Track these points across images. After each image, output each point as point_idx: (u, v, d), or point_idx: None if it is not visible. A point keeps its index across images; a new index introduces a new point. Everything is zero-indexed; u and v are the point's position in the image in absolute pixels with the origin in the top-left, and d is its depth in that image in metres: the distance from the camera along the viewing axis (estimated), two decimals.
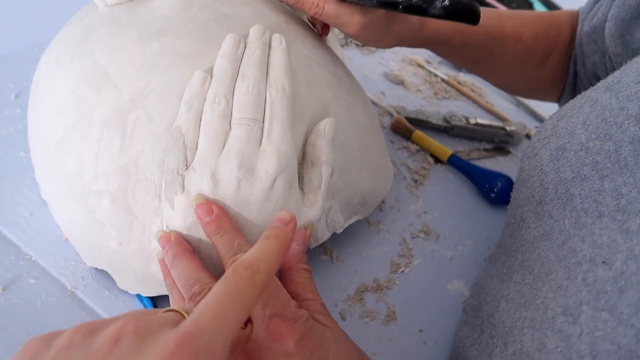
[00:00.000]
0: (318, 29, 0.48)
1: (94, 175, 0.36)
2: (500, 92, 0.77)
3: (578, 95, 0.39)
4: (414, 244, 0.48)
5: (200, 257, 0.34)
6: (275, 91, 0.36)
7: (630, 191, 0.31)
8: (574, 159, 0.35)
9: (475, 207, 0.55)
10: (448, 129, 0.63)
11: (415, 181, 0.55)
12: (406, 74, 0.73)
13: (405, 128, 0.60)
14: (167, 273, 0.34)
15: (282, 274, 0.35)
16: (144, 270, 0.36)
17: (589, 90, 0.38)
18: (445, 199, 0.54)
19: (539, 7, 1.10)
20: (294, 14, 0.46)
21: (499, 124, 0.65)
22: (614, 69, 0.47)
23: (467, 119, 0.63)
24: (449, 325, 0.43)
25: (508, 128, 0.64)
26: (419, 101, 0.68)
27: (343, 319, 0.41)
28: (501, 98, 0.76)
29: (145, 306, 0.37)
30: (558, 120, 0.38)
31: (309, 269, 0.35)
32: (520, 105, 0.77)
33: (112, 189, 0.35)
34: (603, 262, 0.29)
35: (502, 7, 1.03)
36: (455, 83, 0.74)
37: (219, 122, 0.34)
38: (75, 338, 0.21)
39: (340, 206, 0.41)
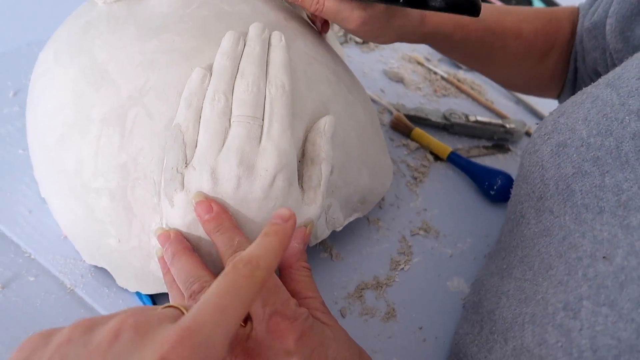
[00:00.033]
0: (318, 26, 0.48)
1: (93, 172, 0.35)
2: (500, 90, 0.77)
3: (579, 92, 0.39)
4: (413, 242, 0.48)
5: (200, 255, 0.34)
6: (275, 89, 0.35)
7: (631, 187, 0.31)
8: (575, 155, 0.35)
9: (475, 204, 0.54)
10: (448, 127, 0.63)
11: (415, 179, 0.55)
12: (406, 71, 0.73)
13: (404, 126, 0.60)
14: (166, 271, 0.34)
15: (282, 272, 0.35)
16: (143, 267, 0.36)
17: (589, 87, 0.38)
18: (444, 197, 0.54)
19: (538, 4, 1.10)
20: (294, 12, 0.46)
21: (498, 121, 0.65)
22: (614, 65, 0.47)
23: (466, 117, 0.63)
24: (448, 322, 0.43)
25: (508, 125, 0.64)
26: (419, 99, 0.68)
27: (343, 316, 0.41)
28: (501, 95, 0.76)
29: (144, 304, 0.37)
30: (559, 117, 0.38)
31: (308, 267, 0.35)
32: (520, 102, 0.77)
33: (111, 187, 0.35)
34: (604, 257, 0.29)
35: (500, 4, 1.03)
36: (455, 81, 0.74)
37: (219, 119, 0.34)
38: (74, 334, 0.21)
39: (340, 204, 0.41)
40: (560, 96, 0.58)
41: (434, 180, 0.56)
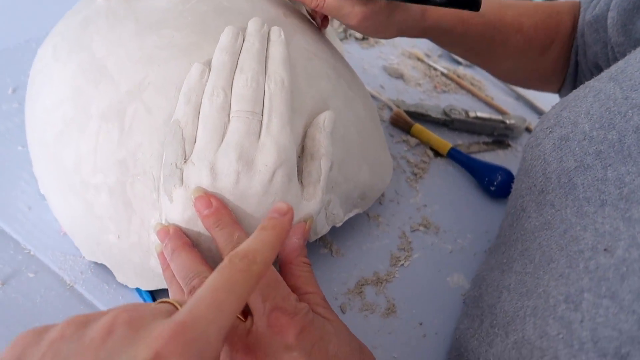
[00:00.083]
0: (317, 22, 0.48)
1: (93, 168, 0.35)
2: (500, 86, 0.77)
3: (581, 85, 0.39)
4: (413, 238, 0.48)
5: (199, 251, 0.34)
6: (274, 84, 0.35)
7: (634, 180, 0.31)
8: (577, 149, 0.34)
9: (475, 200, 0.54)
10: (448, 123, 0.62)
11: (415, 175, 0.54)
12: (405, 67, 0.72)
13: (404, 122, 0.60)
14: (166, 266, 0.34)
15: (283, 268, 0.34)
16: (143, 263, 0.36)
17: (592, 80, 0.38)
18: (445, 193, 0.54)
19: None
20: (293, 7, 0.46)
21: (498, 117, 0.64)
22: (616, 59, 0.47)
23: (466, 113, 0.63)
24: (448, 318, 0.43)
25: (508, 121, 0.64)
26: (419, 95, 0.68)
27: (343, 312, 0.41)
28: (501, 91, 0.76)
29: (144, 300, 0.37)
30: (561, 110, 0.38)
31: (309, 263, 0.35)
32: (520, 98, 0.76)
33: (110, 183, 0.35)
34: (605, 249, 0.29)
35: None
36: (455, 76, 0.74)
37: (218, 114, 0.34)
38: (67, 330, 0.21)
39: (340, 199, 0.41)
40: (561, 90, 0.58)
41: (434, 176, 0.55)
